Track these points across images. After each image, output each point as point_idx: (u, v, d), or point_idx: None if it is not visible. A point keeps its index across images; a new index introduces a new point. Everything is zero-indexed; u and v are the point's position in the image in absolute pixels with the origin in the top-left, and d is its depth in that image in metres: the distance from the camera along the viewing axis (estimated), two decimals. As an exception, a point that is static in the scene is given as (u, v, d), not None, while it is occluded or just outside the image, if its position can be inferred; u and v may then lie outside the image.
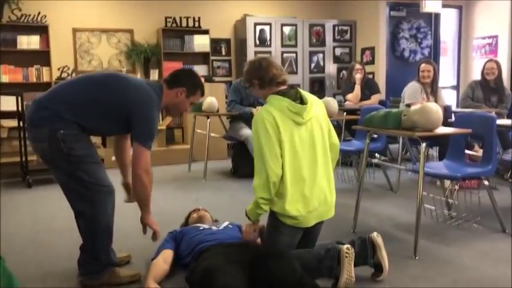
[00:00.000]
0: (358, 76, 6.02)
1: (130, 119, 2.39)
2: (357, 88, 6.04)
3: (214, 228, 2.73)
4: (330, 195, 2.60)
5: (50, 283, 2.59)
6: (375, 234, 2.51)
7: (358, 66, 6.08)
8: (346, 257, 2.35)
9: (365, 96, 6.06)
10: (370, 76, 7.19)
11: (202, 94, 2.69)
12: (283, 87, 2.59)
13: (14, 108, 5.10)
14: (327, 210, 2.60)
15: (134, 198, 2.59)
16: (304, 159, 2.50)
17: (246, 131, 5.26)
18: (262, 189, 2.43)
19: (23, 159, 5.11)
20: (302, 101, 2.54)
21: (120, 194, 2.63)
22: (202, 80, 3.02)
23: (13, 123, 5.28)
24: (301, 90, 2.62)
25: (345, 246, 2.38)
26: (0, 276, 1.64)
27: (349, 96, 6.08)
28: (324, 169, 2.58)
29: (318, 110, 2.60)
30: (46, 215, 3.93)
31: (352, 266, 2.37)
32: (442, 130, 3.13)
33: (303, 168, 2.49)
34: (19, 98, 4.99)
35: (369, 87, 6.14)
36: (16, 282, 1.74)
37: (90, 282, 2.50)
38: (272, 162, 2.41)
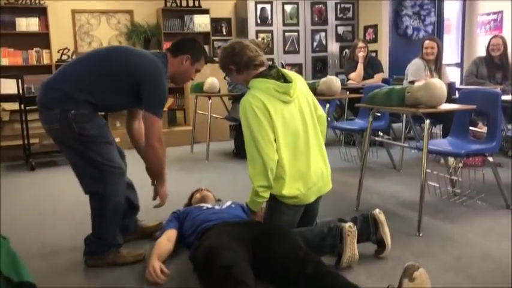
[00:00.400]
0: (361, 54, 5.97)
1: (139, 88, 2.40)
2: (360, 67, 5.99)
3: (217, 207, 2.74)
4: (326, 169, 2.62)
5: (53, 262, 2.62)
6: (377, 211, 2.51)
7: (361, 44, 6.02)
8: (349, 235, 2.35)
9: (368, 75, 6.02)
10: (373, 54, 7.14)
11: (206, 61, 2.70)
12: (262, 69, 2.54)
13: (15, 91, 5.09)
14: (325, 185, 2.61)
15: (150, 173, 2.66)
16: (297, 137, 2.50)
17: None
18: (259, 177, 2.42)
19: (25, 142, 5.11)
20: (285, 80, 2.52)
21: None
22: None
23: (14, 106, 5.27)
24: (280, 68, 2.58)
25: (347, 224, 2.38)
26: (1, 257, 1.64)
27: (352, 75, 6.04)
28: (317, 144, 2.59)
29: (301, 86, 2.59)
30: (49, 197, 3.95)
31: (355, 243, 2.37)
32: (446, 107, 3.10)
33: (298, 146, 2.49)
34: (19, 81, 4.97)
35: (372, 65, 6.09)
36: (20, 262, 1.74)
37: (95, 262, 2.52)
38: (267, 148, 2.39)
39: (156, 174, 2.63)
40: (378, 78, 6.02)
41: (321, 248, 2.36)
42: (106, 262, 2.51)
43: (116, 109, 2.71)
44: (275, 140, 2.43)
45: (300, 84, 2.58)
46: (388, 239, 2.49)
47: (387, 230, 2.49)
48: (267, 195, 2.48)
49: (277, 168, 2.44)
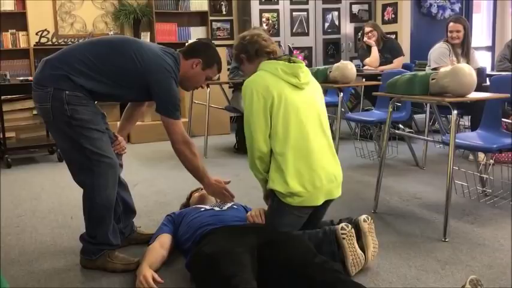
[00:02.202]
0: (368, 42, 6.01)
1: (150, 89, 2.51)
2: (374, 50, 6.00)
3: (216, 208, 2.74)
4: (338, 170, 2.64)
5: (33, 268, 2.64)
6: (363, 217, 2.47)
7: (367, 28, 6.06)
8: (344, 238, 2.36)
9: (386, 59, 6.01)
10: (393, 36, 7.11)
11: (219, 70, 2.80)
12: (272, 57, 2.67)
13: (-13, 79, 5.09)
14: (336, 187, 2.62)
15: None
16: (309, 128, 2.54)
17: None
18: (253, 167, 2.60)
19: (0, 136, 5.12)
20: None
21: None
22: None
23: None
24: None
25: (340, 225, 2.40)
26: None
27: (367, 60, 6.04)
28: (328, 143, 2.64)
29: (311, 77, 2.70)
30: (28, 197, 3.96)
31: (355, 244, 2.38)
32: (476, 95, 3.09)
33: (309, 138, 2.53)
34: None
35: (390, 49, 6.08)
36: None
37: (86, 263, 2.60)
38: (256, 136, 2.51)
39: (195, 177, 2.75)
40: (397, 63, 6.01)
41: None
42: (95, 265, 2.56)
43: (113, 100, 2.80)
44: (275, 127, 2.49)
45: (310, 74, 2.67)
46: (368, 252, 2.42)
47: (371, 242, 2.44)
48: (263, 182, 2.64)
49: (280, 158, 2.49)
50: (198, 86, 2.82)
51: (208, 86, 5.31)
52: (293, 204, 2.51)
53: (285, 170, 2.48)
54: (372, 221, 2.49)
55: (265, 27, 6.93)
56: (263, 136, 2.51)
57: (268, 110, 2.49)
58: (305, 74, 2.60)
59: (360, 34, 6.41)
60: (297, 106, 2.52)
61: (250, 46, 2.67)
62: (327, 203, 2.63)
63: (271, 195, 2.61)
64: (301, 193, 2.49)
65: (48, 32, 6.62)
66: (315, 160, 2.52)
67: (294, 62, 2.60)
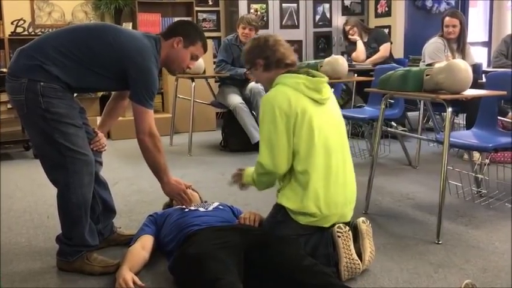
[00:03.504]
0: (352, 38, 6.17)
1: (125, 73, 2.46)
2: (359, 44, 6.13)
3: (201, 209, 2.74)
4: (354, 192, 2.63)
5: (7, 270, 2.62)
6: (361, 219, 2.49)
7: (347, 27, 6.26)
8: (339, 236, 2.37)
9: (373, 49, 6.10)
10: (386, 30, 7.15)
11: (205, 47, 2.73)
12: (291, 69, 2.61)
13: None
14: (350, 210, 2.60)
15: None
16: (332, 147, 2.50)
17: (236, 99, 5.23)
18: (264, 185, 2.61)
19: (-28, 130, 5.07)
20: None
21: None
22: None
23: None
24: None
25: (336, 225, 2.40)
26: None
27: (354, 55, 6.13)
28: (349, 159, 2.62)
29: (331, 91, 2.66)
30: (2, 195, 3.92)
31: (351, 246, 2.38)
32: (472, 92, 3.12)
33: (331, 157, 2.49)
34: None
35: (375, 37, 6.20)
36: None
37: (62, 265, 2.58)
38: (280, 158, 2.44)
39: (154, 174, 2.67)
40: (384, 50, 6.10)
41: (314, 259, 2.36)
42: (73, 267, 2.54)
43: (91, 91, 2.77)
44: (297, 146, 2.44)
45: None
46: (366, 255, 2.44)
47: (368, 245, 2.46)
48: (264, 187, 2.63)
49: (297, 176, 2.46)
50: (184, 66, 2.74)
51: (193, 80, 5.30)
52: (303, 222, 2.47)
53: (304, 189, 2.44)
54: (369, 224, 2.51)
55: (255, 14, 6.91)
56: (287, 156, 2.44)
57: (292, 129, 2.43)
58: (326, 88, 2.55)
59: (341, 34, 6.55)
60: (320, 123, 2.47)
61: (270, 52, 2.58)
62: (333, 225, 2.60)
63: (277, 207, 2.56)
64: (315, 214, 2.45)
65: (25, 21, 6.55)
66: (335, 182, 2.49)
67: (313, 76, 2.56)
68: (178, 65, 2.73)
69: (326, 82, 2.55)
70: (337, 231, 2.37)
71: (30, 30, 6.51)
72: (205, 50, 2.75)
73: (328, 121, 2.53)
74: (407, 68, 3.28)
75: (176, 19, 6.99)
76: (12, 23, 6.45)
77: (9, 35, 6.37)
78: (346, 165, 2.57)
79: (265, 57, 2.59)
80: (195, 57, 2.72)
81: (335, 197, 2.48)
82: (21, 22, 6.51)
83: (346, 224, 2.49)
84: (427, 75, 3.08)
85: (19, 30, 6.46)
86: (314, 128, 2.44)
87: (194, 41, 2.67)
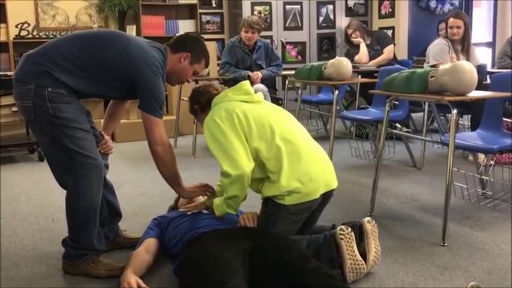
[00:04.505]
0: (355, 41, 6.14)
1: (135, 85, 2.50)
2: (362, 46, 6.10)
3: (205, 211, 2.74)
4: (327, 158, 2.69)
5: (13, 274, 2.62)
6: (366, 219, 2.49)
7: (349, 31, 6.21)
8: (342, 239, 2.36)
9: (376, 51, 6.08)
10: (390, 31, 7.14)
11: (207, 65, 2.81)
12: None
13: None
14: (333, 177, 2.63)
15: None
16: (286, 124, 2.62)
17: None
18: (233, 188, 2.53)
19: (-22, 134, 5.08)
20: None
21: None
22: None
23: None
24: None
25: (339, 227, 2.41)
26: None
27: (356, 57, 6.12)
28: (306, 132, 2.72)
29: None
30: (7, 199, 3.93)
31: (354, 247, 2.38)
32: (477, 94, 3.11)
33: (291, 133, 2.58)
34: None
35: (378, 40, 6.18)
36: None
37: (68, 268, 2.58)
38: (240, 160, 2.46)
39: (168, 183, 2.71)
40: (388, 52, 6.08)
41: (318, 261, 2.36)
42: (78, 270, 2.55)
43: (97, 97, 2.81)
44: (254, 145, 2.50)
45: None
46: (370, 255, 2.43)
47: (373, 245, 2.45)
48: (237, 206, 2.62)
49: (266, 163, 2.50)
50: (184, 80, 2.82)
51: (197, 82, 5.30)
52: (292, 203, 2.48)
53: (279, 172, 2.47)
54: (375, 224, 2.50)
55: (258, 16, 6.92)
56: (244, 152, 2.48)
57: (238, 128, 2.49)
58: (257, 95, 2.70)
59: (344, 37, 6.53)
60: (263, 112, 2.60)
61: (202, 96, 2.77)
62: (325, 200, 2.62)
63: (264, 203, 2.59)
64: (299, 189, 2.46)
65: (29, 24, 6.57)
66: (304, 153, 2.54)
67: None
68: (179, 79, 2.80)
69: (248, 83, 2.72)
70: (340, 234, 2.37)
71: (35, 33, 6.54)
72: (206, 66, 2.84)
73: (268, 109, 2.68)
74: (412, 70, 3.27)
75: (180, 21, 7.09)
76: (16, 26, 6.48)
77: (14, 38, 6.40)
78: (305, 136, 2.67)
79: (198, 102, 2.78)
80: (195, 73, 2.79)
81: (310, 167, 2.52)
82: (26, 25, 6.54)
83: (349, 224, 2.48)
84: (431, 77, 3.07)
85: (23, 33, 6.49)
86: (261, 116, 2.56)
87: (199, 59, 2.73)
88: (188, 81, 2.87)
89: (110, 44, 2.51)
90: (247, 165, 2.47)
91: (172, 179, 2.69)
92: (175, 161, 2.66)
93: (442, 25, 6.21)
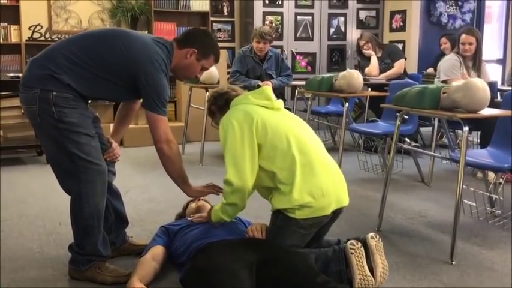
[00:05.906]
0: (367, 53, 6.11)
1: (137, 82, 2.46)
2: (373, 59, 6.07)
3: (214, 222, 2.72)
4: (340, 173, 2.66)
5: (19, 277, 2.61)
6: (370, 235, 2.46)
7: (361, 42, 6.18)
8: (352, 253, 2.35)
9: (386, 65, 6.06)
10: (400, 45, 7.14)
11: (217, 60, 2.75)
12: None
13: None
14: (344, 193, 2.62)
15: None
16: (303, 136, 2.59)
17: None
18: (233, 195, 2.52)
19: (-13, 134, 5.09)
20: None
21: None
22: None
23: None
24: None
25: (349, 241, 2.39)
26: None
27: (367, 70, 6.10)
28: (322, 146, 2.70)
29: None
30: (14, 200, 3.94)
31: (364, 262, 2.36)
32: (489, 112, 3.09)
33: (307, 145, 2.56)
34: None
35: (389, 53, 6.15)
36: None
37: (74, 274, 2.57)
38: (245, 168, 2.46)
39: (175, 181, 2.69)
40: (398, 66, 6.05)
41: (326, 276, 2.33)
42: (84, 276, 2.54)
43: (103, 99, 2.76)
44: (265, 149, 2.50)
45: None
46: (377, 271, 2.39)
47: (379, 260, 2.42)
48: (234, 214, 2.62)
49: (279, 174, 2.48)
50: (192, 76, 2.77)
51: (207, 90, 5.31)
52: (302, 217, 2.46)
53: (291, 185, 2.45)
54: (379, 239, 2.48)
55: (270, 26, 6.92)
56: (251, 166, 2.47)
57: (254, 135, 2.48)
58: (278, 101, 2.68)
59: (355, 49, 6.51)
60: (281, 120, 2.59)
61: (220, 97, 2.75)
62: (335, 216, 2.60)
63: (274, 215, 2.57)
64: (311, 203, 2.45)
65: (42, 26, 6.61)
66: (318, 166, 2.53)
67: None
68: (186, 75, 2.77)
69: (270, 90, 2.69)
70: (350, 248, 2.36)
71: (47, 35, 6.57)
72: (216, 61, 2.77)
73: (287, 118, 2.67)
74: (424, 85, 3.26)
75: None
76: (29, 28, 6.52)
77: (26, 40, 6.43)
78: (320, 149, 2.65)
79: (215, 103, 2.78)
80: (204, 69, 2.74)
81: (323, 182, 2.50)
82: (38, 27, 6.57)
83: (357, 239, 2.46)
84: (444, 93, 3.06)
85: (36, 35, 6.52)
86: (279, 125, 2.54)
87: (207, 55, 2.67)
88: (197, 77, 2.81)
89: (111, 40, 2.48)
90: (249, 178, 2.47)
91: (178, 177, 2.67)
92: (182, 159, 2.64)
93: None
